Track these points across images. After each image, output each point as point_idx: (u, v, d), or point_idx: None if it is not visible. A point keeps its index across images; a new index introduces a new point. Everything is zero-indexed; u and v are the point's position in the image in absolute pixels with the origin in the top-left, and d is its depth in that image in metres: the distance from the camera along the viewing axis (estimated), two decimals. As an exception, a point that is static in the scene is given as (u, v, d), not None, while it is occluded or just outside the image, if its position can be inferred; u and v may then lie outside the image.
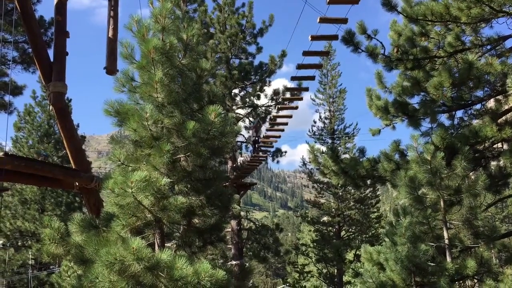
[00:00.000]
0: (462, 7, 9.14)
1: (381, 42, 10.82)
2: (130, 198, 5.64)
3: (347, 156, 26.34)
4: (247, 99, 23.83)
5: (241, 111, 24.43)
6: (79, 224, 6.34)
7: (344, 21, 10.79)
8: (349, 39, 10.70)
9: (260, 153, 21.09)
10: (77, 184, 8.52)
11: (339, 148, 30.68)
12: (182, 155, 6.80)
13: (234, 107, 23.53)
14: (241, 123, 24.40)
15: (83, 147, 12.82)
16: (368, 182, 12.39)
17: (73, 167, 8.64)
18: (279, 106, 17.52)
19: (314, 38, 11.83)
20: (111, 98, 6.83)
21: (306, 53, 12.81)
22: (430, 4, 9.85)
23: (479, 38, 10.27)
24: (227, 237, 21.53)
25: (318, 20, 10.86)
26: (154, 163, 6.17)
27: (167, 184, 5.96)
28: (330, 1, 10.10)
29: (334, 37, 11.58)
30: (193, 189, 6.95)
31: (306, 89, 16.58)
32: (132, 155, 6.65)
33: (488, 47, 10.41)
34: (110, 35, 8.67)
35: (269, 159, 26.22)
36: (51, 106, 8.55)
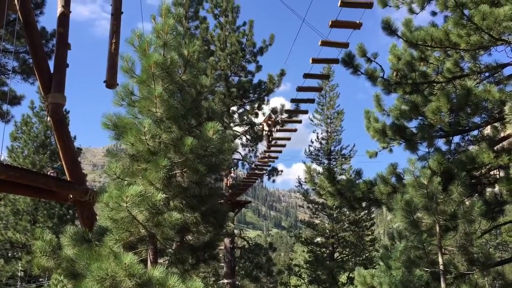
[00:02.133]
0: (462, 34, 9.22)
1: (380, 66, 10.89)
2: (125, 213, 5.59)
3: (343, 177, 26.31)
4: (245, 117, 23.89)
5: (239, 129, 24.47)
6: (72, 237, 6.27)
7: (345, 45, 10.90)
8: (349, 61, 10.76)
9: (269, 154, 20.23)
10: (71, 196, 8.44)
11: (335, 169, 30.68)
12: (179, 171, 6.77)
13: (231, 125, 23.56)
14: (238, 141, 24.43)
15: (79, 159, 12.74)
16: (364, 204, 12.33)
17: (68, 179, 8.57)
18: (278, 128, 17.57)
19: (315, 61, 11.93)
20: (109, 111, 6.83)
21: (306, 76, 12.91)
22: (430, 30, 9.94)
23: (477, 65, 10.35)
24: (220, 255, 21.32)
25: (319, 43, 10.97)
26: (150, 178, 6.13)
27: (162, 200, 5.92)
28: (332, 25, 10.22)
29: (335, 61, 11.67)
30: (188, 205, 6.91)
31: (305, 112, 16.71)
32: (128, 169, 6.61)
33: (487, 74, 10.50)
34: (111, 49, 8.70)
35: (265, 178, 26.22)
36: (48, 117, 8.53)
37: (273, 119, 18.91)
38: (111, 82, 8.59)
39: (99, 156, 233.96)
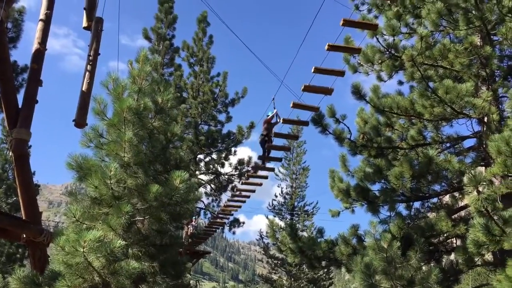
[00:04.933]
0: (426, 104, 9.66)
1: (348, 127, 11.21)
2: (80, 258, 5.40)
3: (304, 234, 26.31)
4: (211, 166, 23.86)
5: (204, 177, 24.35)
6: (21, 280, 5.97)
7: (316, 109, 11.30)
8: (318, 121, 11.07)
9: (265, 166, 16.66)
10: (24, 236, 8.10)
11: (298, 225, 30.65)
12: (141, 218, 6.64)
13: (197, 172, 23.44)
14: (202, 189, 24.23)
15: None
16: (323, 263, 12.30)
17: (23, 217, 8.25)
18: (243, 181, 17.40)
19: (286, 121, 12.29)
20: (75, 151, 6.74)
21: (276, 135, 13.19)
22: (397, 98, 10.39)
23: (439, 135, 10.80)
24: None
25: (291, 105, 11.33)
26: (111, 223, 5.97)
27: (121, 247, 5.75)
28: (304, 89, 10.61)
29: (305, 123, 12.03)
30: (147, 254, 6.74)
31: (272, 170, 16.91)
32: (88, 212, 6.44)
33: (448, 144, 10.94)
34: (84, 88, 8.66)
35: (226, 228, 25.92)
36: (10, 152, 8.30)
37: (278, 121, 14.97)
38: (80, 122, 8.47)
39: (56, 193, 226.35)
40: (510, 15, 9.23)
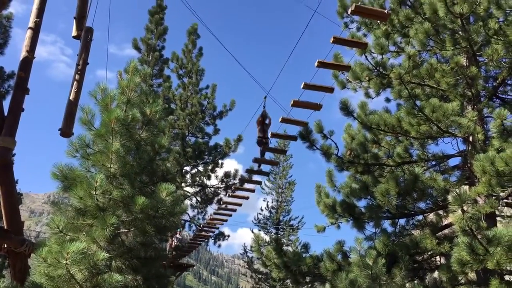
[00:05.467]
0: (413, 122, 9.77)
1: (335, 143, 11.29)
2: (63, 270, 5.30)
3: (289, 248, 26.21)
4: (197, 178, 23.73)
5: (190, 189, 24.20)
6: (0, 291, 5.85)
7: (304, 124, 11.36)
8: (306, 136, 11.12)
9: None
10: (5, 246, 7.92)
11: (283, 239, 30.57)
12: (125, 230, 6.56)
13: (183, 184, 23.29)
14: (187, 202, 24.07)
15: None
16: (308, 279, 12.25)
17: (5, 226, 8.08)
18: (230, 194, 17.37)
19: (275, 135, 12.34)
20: (60, 161, 6.67)
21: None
22: (384, 115, 10.48)
23: (425, 153, 10.91)
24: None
25: (280, 119, 11.39)
26: (95, 235, 5.89)
27: (105, 259, 5.67)
28: (293, 104, 10.69)
29: (293, 138, 12.08)
30: (131, 267, 6.64)
31: (259, 183, 16.92)
32: (72, 223, 6.34)
33: (433, 162, 11.05)
34: (71, 98, 8.56)
35: (210, 241, 25.74)
36: (-6, 160, 8.14)
37: (268, 121, 13.94)
38: (66, 131, 8.36)
39: (38, 202, 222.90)
40: (495, 37, 9.43)
